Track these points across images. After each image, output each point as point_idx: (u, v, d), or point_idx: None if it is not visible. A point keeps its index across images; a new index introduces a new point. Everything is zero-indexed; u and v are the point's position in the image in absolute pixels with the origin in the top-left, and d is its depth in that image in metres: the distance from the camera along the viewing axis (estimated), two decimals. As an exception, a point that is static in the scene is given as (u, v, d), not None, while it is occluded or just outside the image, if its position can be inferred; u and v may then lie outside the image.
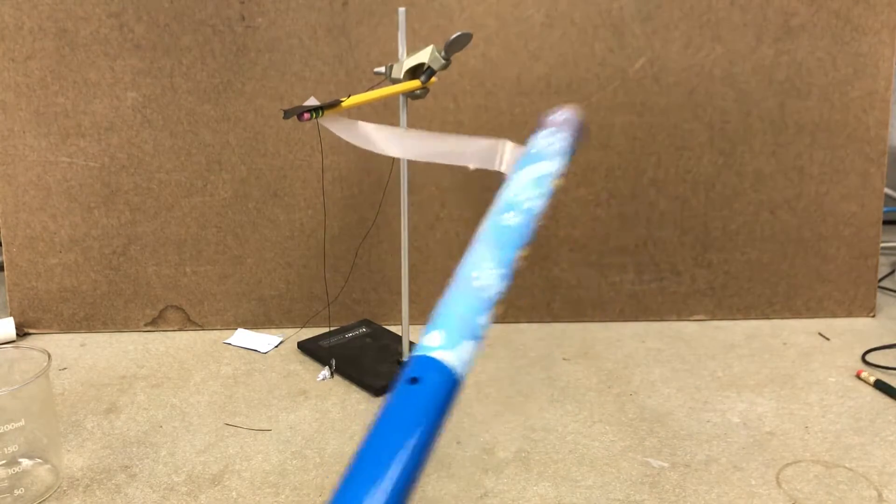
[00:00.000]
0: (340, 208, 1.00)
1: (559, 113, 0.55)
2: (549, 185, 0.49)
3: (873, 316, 1.06)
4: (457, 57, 0.96)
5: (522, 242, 0.44)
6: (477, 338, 0.37)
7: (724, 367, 0.92)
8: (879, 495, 0.67)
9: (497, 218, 0.45)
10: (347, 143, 0.98)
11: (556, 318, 1.05)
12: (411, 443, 0.29)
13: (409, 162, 0.99)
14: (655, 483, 0.69)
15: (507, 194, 0.47)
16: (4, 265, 1.01)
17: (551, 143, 0.52)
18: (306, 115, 0.71)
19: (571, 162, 1.01)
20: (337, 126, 0.76)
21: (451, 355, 0.34)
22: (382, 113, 0.98)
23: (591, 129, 1.00)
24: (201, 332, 1.02)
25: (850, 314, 1.06)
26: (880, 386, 0.85)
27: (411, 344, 0.92)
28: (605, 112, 0.99)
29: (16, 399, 0.64)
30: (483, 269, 0.40)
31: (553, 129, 0.53)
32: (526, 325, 1.04)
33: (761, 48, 0.98)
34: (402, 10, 0.80)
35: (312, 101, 0.74)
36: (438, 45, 0.81)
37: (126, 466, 0.72)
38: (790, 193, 1.03)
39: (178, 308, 1.02)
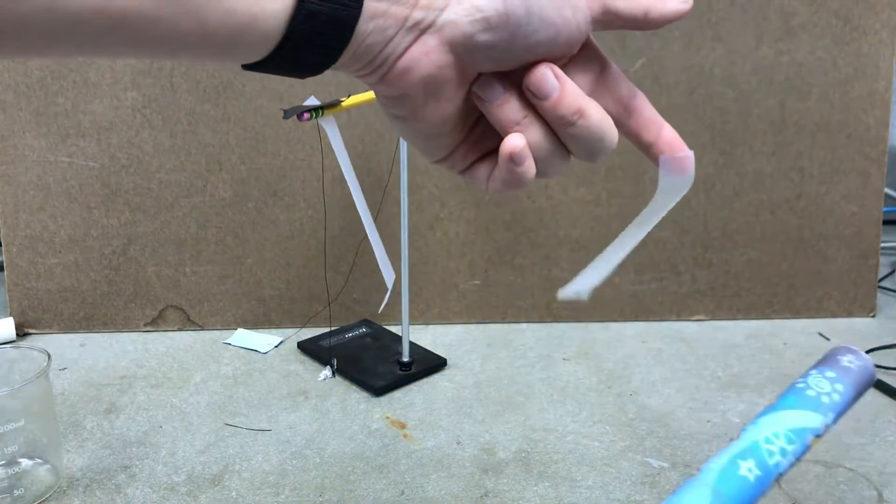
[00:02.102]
0: (340, 208, 1.00)
1: (850, 355, 0.45)
2: (807, 443, 0.41)
3: (873, 316, 1.06)
4: (457, 57, 0.96)
5: None
6: None
7: (724, 367, 0.92)
8: (879, 495, 0.67)
9: (732, 460, 0.37)
10: (347, 143, 0.98)
11: (556, 318, 1.05)
12: None
13: (409, 162, 0.99)
14: (655, 483, 0.69)
15: (753, 432, 0.40)
16: (4, 265, 1.01)
17: (828, 393, 0.43)
18: (306, 115, 0.71)
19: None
20: (332, 131, 0.76)
21: None
22: (382, 113, 0.98)
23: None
24: (201, 332, 1.02)
25: (850, 314, 1.06)
26: (880, 386, 0.85)
27: (411, 344, 0.92)
28: (605, 112, 0.99)
29: (16, 399, 0.64)
30: None
31: (838, 372, 0.44)
32: (526, 325, 1.04)
33: (761, 48, 0.98)
34: (402, 10, 0.80)
35: (312, 101, 0.74)
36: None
37: (126, 466, 0.72)
38: (790, 193, 1.03)
39: (178, 308, 1.02)
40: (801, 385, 0.44)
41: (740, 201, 1.03)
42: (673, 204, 0.34)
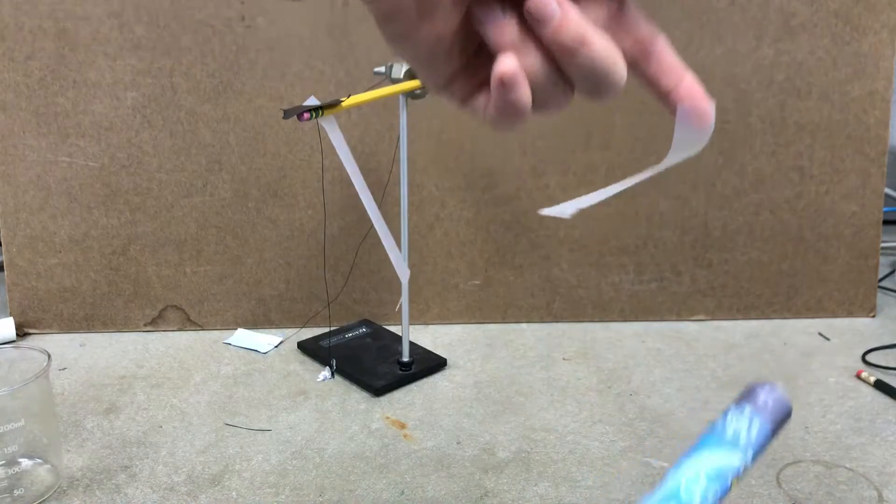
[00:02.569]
0: (340, 208, 1.00)
1: (767, 390, 0.46)
2: (728, 483, 0.42)
3: (873, 316, 1.06)
4: (457, 57, 0.96)
5: None
6: None
7: (724, 367, 0.92)
8: (879, 495, 0.67)
9: None
10: (347, 143, 0.98)
11: (556, 318, 1.05)
12: None
13: (409, 162, 0.98)
14: (655, 483, 0.69)
15: (676, 479, 0.40)
16: (4, 265, 1.01)
17: (745, 430, 0.44)
18: (306, 115, 0.71)
19: (571, 161, 1.01)
20: (333, 133, 0.76)
21: None
22: (382, 113, 0.98)
23: (592, 129, 1.00)
24: (201, 332, 1.02)
25: (850, 314, 1.06)
26: (880, 386, 0.85)
27: (411, 344, 0.92)
28: (605, 112, 0.99)
29: (16, 399, 0.64)
30: None
31: (754, 410, 0.45)
32: (526, 325, 1.04)
33: (761, 48, 0.98)
34: (402, 10, 0.80)
35: (312, 101, 0.74)
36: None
37: (126, 466, 0.72)
38: (790, 193, 1.03)
39: (178, 308, 1.02)
40: (719, 425, 0.45)
41: (740, 201, 1.03)
42: (685, 157, 0.32)
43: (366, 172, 0.99)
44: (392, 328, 1.00)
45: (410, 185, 1.00)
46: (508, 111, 0.29)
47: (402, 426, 0.79)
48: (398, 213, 0.87)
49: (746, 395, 0.47)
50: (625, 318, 1.05)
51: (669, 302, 1.05)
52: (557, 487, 0.69)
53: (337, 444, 0.75)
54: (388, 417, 0.80)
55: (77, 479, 0.70)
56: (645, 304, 1.05)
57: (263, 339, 0.98)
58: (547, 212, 0.35)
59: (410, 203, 1.00)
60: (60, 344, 0.98)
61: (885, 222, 1.07)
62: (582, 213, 1.02)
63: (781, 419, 0.45)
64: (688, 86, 0.31)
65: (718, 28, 0.98)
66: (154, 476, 0.70)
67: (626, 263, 1.04)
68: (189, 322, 1.02)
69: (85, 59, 0.94)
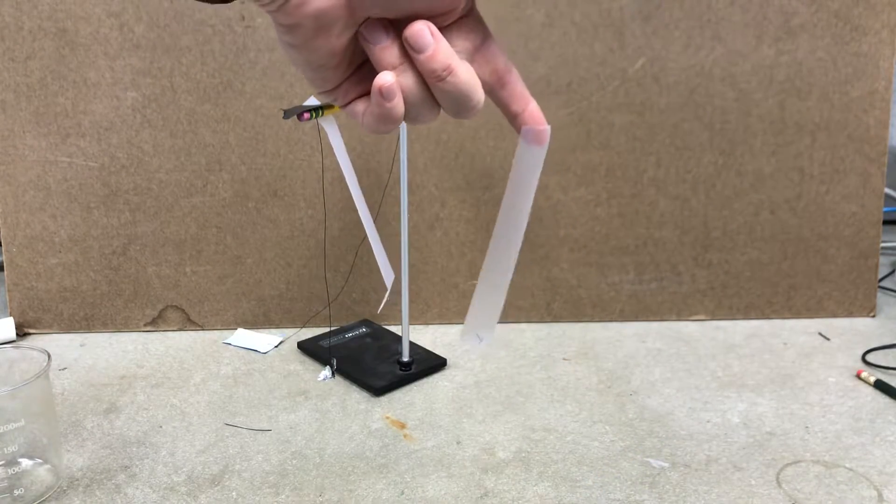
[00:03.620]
0: (340, 208, 1.00)
1: None
2: None
3: (873, 316, 1.06)
4: (457, 57, 0.96)
5: None
6: None
7: (724, 367, 0.92)
8: (879, 495, 0.67)
9: None
10: (347, 143, 0.98)
11: (556, 318, 1.05)
12: None
13: (409, 162, 0.99)
14: (655, 483, 0.69)
15: None
16: (4, 265, 1.01)
17: None
18: (306, 115, 0.71)
19: (571, 161, 1.01)
20: (332, 131, 0.76)
21: None
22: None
23: (591, 129, 1.00)
24: (201, 332, 1.02)
25: (850, 314, 1.06)
26: (880, 386, 0.85)
27: (411, 344, 0.92)
28: (605, 112, 0.99)
29: (16, 399, 0.64)
30: None
31: None
32: (526, 325, 1.04)
33: (761, 48, 0.98)
34: (402, 10, 0.80)
35: (312, 101, 0.74)
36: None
37: (126, 466, 0.72)
38: (790, 193, 1.03)
39: (178, 308, 1.02)
40: None
41: (740, 201, 1.03)
42: (534, 182, 0.37)
43: (366, 172, 0.99)
44: (392, 328, 1.00)
45: (410, 185, 1.00)
46: (383, 118, 0.34)
47: (402, 426, 0.79)
48: (398, 214, 0.87)
49: None
50: (625, 318, 1.05)
51: (669, 302, 1.05)
52: (557, 487, 0.69)
53: (337, 444, 0.75)
54: (388, 417, 0.81)
55: (77, 479, 0.70)
56: (645, 304, 1.05)
57: (263, 339, 0.98)
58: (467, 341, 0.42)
59: (410, 203, 1.00)
60: (60, 344, 0.98)
61: (885, 222, 1.07)
62: (582, 213, 1.02)
63: None
64: (532, 111, 0.37)
65: (718, 28, 0.98)
66: (154, 476, 0.70)
67: (626, 263, 1.04)
68: (189, 322, 1.02)
69: (85, 59, 0.94)
